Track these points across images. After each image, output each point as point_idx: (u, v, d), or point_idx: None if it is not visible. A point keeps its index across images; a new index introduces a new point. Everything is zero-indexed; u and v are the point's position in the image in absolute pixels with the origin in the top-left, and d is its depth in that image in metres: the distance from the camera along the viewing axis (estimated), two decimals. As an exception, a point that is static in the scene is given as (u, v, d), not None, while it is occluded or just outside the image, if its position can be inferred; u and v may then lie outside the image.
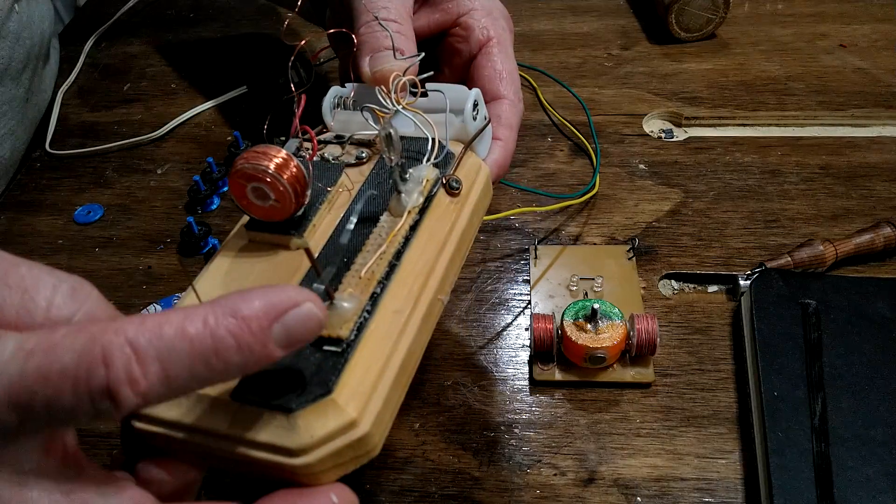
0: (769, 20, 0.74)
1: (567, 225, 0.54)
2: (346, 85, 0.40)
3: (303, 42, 0.38)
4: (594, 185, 0.55)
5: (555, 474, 0.41)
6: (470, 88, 0.38)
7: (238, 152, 0.60)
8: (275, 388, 0.25)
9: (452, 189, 0.34)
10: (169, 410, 0.26)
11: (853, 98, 0.63)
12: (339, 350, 0.26)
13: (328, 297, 0.27)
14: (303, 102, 0.35)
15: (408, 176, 0.33)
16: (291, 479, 0.26)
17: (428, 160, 0.34)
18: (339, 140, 0.37)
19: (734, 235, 0.52)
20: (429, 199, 0.33)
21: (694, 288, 0.50)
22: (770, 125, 0.63)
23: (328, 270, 0.28)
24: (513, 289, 0.50)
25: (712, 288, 0.50)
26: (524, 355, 0.46)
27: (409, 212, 0.32)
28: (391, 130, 0.31)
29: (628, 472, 0.41)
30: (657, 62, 0.69)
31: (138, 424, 0.27)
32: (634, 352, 0.44)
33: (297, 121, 0.35)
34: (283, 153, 0.30)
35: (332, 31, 0.44)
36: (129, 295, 0.52)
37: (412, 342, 0.29)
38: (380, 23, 0.40)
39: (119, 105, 0.69)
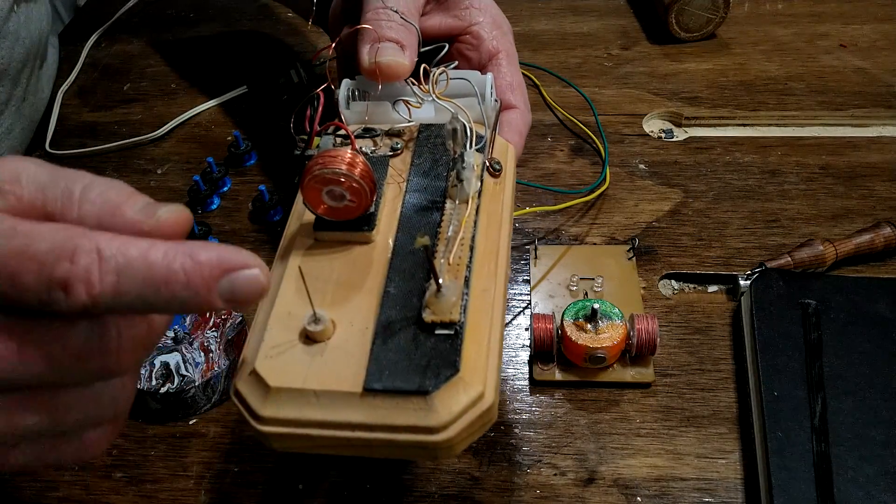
0: (769, 20, 0.74)
1: (567, 225, 0.54)
2: (356, 77, 0.40)
3: (327, 50, 0.38)
4: (605, 178, 0.56)
5: (555, 474, 0.41)
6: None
7: (238, 152, 0.61)
8: (402, 376, 0.27)
9: (495, 171, 0.36)
10: (301, 410, 0.28)
11: (853, 98, 0.63)
12: (452, 332, 0.28)
13: (438, 286, 0.29)
14: (322, 100, 0.35)
15: (464, 164, 0.33)
16: (431, 453, 0.28)
17: (471, 146, 0.34)
18: (370, 133, 0.37)
19: (734, 235, 0.52)
20: (480, 183, 0.34)
21: (694, 288, 0.50)
22: (770, 125, 0.63)
23: (439, 264, 0.30)
24: (513, 288, 0.50)
25: (712, 288, 0.50)
26: (524, 355, 0.46)
27: (472, 197, 0.33)
28: (457, 125, 0.32)
29: (628, 472, 0.41)
30: (657, 62, 0.69)
31: (266, 429, 0.28)
32: (634, 352, 0.44)
33: (318, 118, 0.35)
34: (351, 154, 0.31)
35: (347, 31, 0.44)
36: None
37: (501, 316, 0.31)
38: (390, 11, 0.40)
39: (119, 105, 0.69)
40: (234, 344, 0.45)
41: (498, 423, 0.43)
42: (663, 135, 0.62)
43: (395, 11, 0.40)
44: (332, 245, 0.33)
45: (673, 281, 0.51)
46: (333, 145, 0.36)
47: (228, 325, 0.46)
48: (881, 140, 0.60)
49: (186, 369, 0.44)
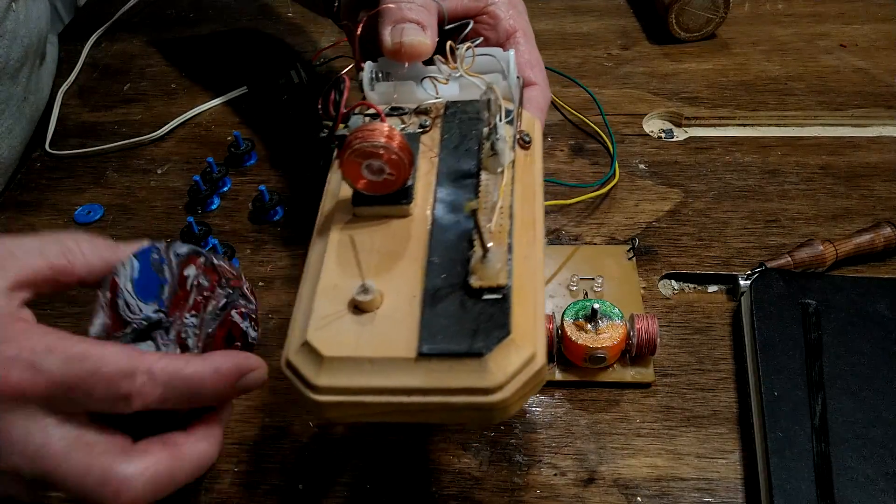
0: (769, 20, 0.74)
1: (567, 225, 0.54)
2: (378, 60, 0.41)
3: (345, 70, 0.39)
4: (614, 172, 0.56)
5: (555, 474, 0.41)
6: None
7: (238, 152, 0.60)
8: (455, 340, 0.28)
9: (525, 143, 0.37)
10: (356, 378, 0.28)
11: (853, 98, 0.63)
12: (500, 297, 0.29)
13: (484, 252, 0.30)
14: (347, 83, 0.37)
15: (498, 135, 0.34)
16: (486, 414, 0.28)
17: (501, 119, 0.35)
18: (398, 112, 0.38)
19: (734, 235, 0.52)
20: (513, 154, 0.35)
21: (694, 288, 0.50)
22: (770, 125, 0.63)
23: (485, 233, 0.31)
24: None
25: (712, 288, 0.50)
26: (524, 355, 0.46)
27: (507, 167, 0.34)
28: (491, 95, 0.33)
29: (628, 472, 0.41)
30: (657, 62, 0.69)
31: (322, 398, 0.29)
32: (634, 352, 0.44)
33: (345, 101, 0.36)
34: (388, 127, 0.32)
35: (364, 14, 0.44)
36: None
37: (542, 282, 0.32)
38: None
39: (119, 105, 0.69)
40: (215, 340, 0.36)
41: (498, 423, 0.43)
42: (663, 135, 0.62)
43: None
44: (370, 219, 0.33)
45: (673, 281, 0.51)
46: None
47: (210, 309, 0.36)
48: (881, 140, 0.60)
49: None
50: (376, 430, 0.43)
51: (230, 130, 0.65)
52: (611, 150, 0.59)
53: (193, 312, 0.35)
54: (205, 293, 0.36)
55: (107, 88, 0.71)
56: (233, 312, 0.36)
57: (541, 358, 0.29)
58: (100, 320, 0.34)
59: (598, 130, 0.61)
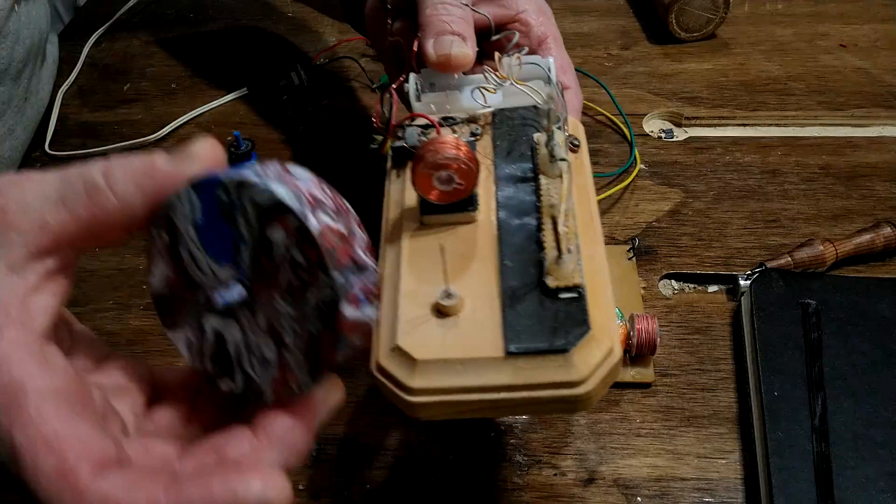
0: (769, 20, 0.74)
1: (567, 225, 0.54)
2: (421, 71, 0.42)
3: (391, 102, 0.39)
4: (635, 158, 0.57)
5: (555, 474, 0.41)
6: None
7: (238, 152, 0.60)
8: (539, 338, 0.29)
9: (574, 146, 0.39)
10: (448, 379, 0.30)
11: (853, 98, 0.63)
12: (577, 295, 0.31)
13: (559, 254, 0.31)
14: (395, 98, 0.38)
15: (555, 142, 0.35)
16: (571, 406, 0.30)
17: (560, 127, 0.37)
18: (450, 122, 0.39)
19: (734, 235, 0.52)
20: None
21: (694, 288, 0.50)
22: (770, 125, 0.63)
23: (554, 234, 0.32)
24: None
25: (712, 288, 0.50)
26: (524, 355, 0.46)
27: (566, 171, 0.35)
28: (551, 105, 0.35)
29: (628, 472, 0.41)
30: (657, 62, 0.69)
31: (416, 399, 0.29)
32: (634, 352, 0.44)
33: (395, 113, 0.38)
34: (455, 139, 0.33)
35: (400, 25, 0.46)
36: (130, 295, 0.52)
37: (608, 278, 0.33)
38: (448, 5, 0.42)
39: (119, 105, 0.69)
40: (322, 344, 0.26)
41: (498, 423, 0.43)
42: (663, 135, 0.62)
43: (467, 5, 0.42)
44: (436, 227, 0.35)
45: (673, 281, 0.51)
46: (416, 136, 0.38)
47: (312, 302, 0.25)
48: (881, 140, 0.60)
49: (251, 364, 0.27)
50: (375, 431, 0.43)
51: (230, 130, 0.64)
52: (628, 138, 0.60)
53: (288, 298, 0.26)
54: (302, 275, 0.25)
55: (107, 88, 0.71)
56: (345, 308, 0.25)
57: (618, 350, 0.30)
58: (160, 270, 0.27)
59: (615, 120, 0.62)
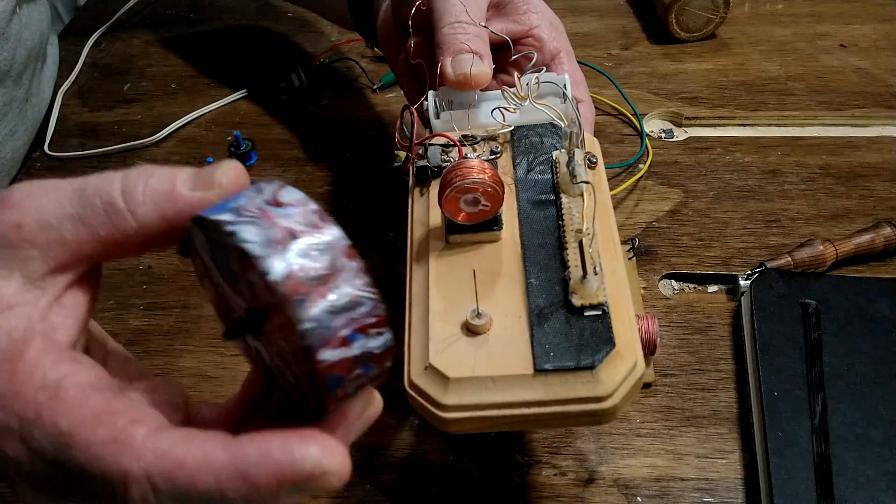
0: (769, 20, 0.74)
1: (567, 225, 0.54)
2: (439, 89, 0.42)
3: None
4: (646, 148, 0.58)
5: (555, 474, 0.41)
6: None
7: (238, 152, 0.60)
8: (567, 355, 0.31)
9: (592, 163, 0.39)
10: (481, 396, 0.31)
11: (853, 98, 0.63)
12: (601, 313, 0.32)
13: (585, 273, 0.32)
14: (416, 116, 0.39)
15: (576, 161, 0.36)
16: (597, 419, 0.31)
17: (581, 147, 0.38)
18: (470, 141, 0.40)
19: (734, 235, 0.52)
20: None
21: (694, 288, 0.50)
22: (770, 125, 0.63)
23: (588, 257, 0.32)
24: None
25: (712, 288, 0.50)
26: (524, 355, 0.46)
27: (586, 190, 0.36)
28: (575, 129, 0.36)
29: (628, 472, 0.41)
30: (657, 62, 0.69)
31: (450, 415, 0.31)
32: (634, 352, 0.44)
33: (416, 132, 0.39)
34: (480, 162, 0.34)
35: (414, 40, 0.46)
36: (130, 295, 0.52)
37: (629, 294, 0.34)
38: (464, 24, 0.42)
39: (119, 105, 0.69)
40: (317, 383, 0.23)
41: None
42: (663, 135, 0.62)
43: (484, 25, 0.43)
44: (462, 246, 0.36)
45: (673, 281, 0.51)
46: (439, 155, 0.39)
47: (294, 341, 0.23)
48: (881, 140, 0.60)
49: (286, 381, 0.26)
50: (375, 432, 0.43)
51: (230, 130, 0.65)
52: (631, 133, 0.60)
53: (281, 335, 0.24)
54: (279, 319, 0.23)
55: (107, 88, 0.71)
56: (322, 353, 0.23)
57: (641, 365, 0.32)
58: (206, 289, 0.27)
59: (623, 110, 0.62)
